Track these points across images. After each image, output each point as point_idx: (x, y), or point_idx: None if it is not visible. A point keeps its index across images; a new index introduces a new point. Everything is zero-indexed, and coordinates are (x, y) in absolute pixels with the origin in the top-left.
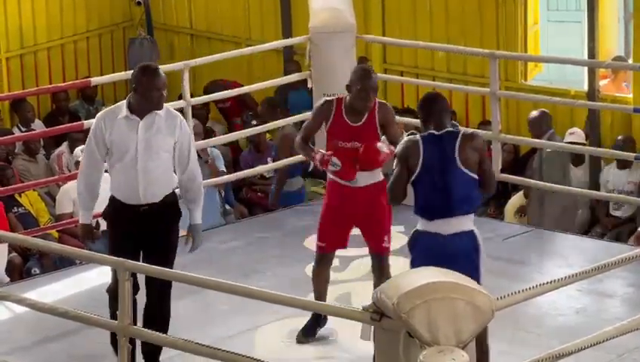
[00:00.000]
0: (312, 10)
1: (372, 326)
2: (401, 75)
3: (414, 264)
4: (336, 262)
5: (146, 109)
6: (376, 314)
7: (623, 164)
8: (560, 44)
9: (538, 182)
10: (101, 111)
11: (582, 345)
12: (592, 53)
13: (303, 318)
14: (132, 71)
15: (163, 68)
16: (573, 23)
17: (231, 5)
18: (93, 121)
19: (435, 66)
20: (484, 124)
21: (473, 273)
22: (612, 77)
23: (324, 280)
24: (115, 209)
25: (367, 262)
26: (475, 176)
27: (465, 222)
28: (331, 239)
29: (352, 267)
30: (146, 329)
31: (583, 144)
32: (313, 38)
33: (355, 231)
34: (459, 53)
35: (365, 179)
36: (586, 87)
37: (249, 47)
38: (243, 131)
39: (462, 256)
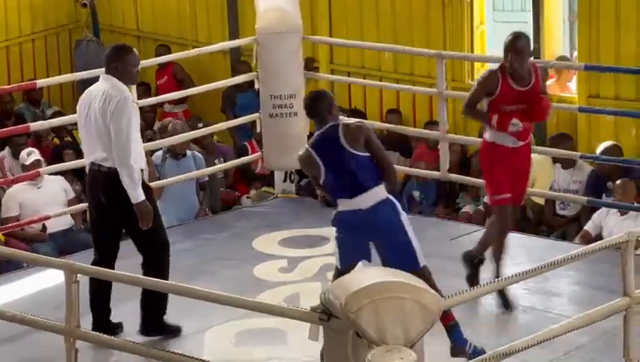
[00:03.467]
0: (259, 12)
1: (320, 327)
2: (348, 76)
3: (342, 241)
4: (284, 262)
5: (133, 83)
6: (324, 315)
7: (568, 164)
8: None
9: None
10: (125, 93)
11: (528, 343)
12: (537, 54)
13: (251, 319)
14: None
15: None
16: (518, 24)
17: (177, 7)
18: (40, 122)
19: (382, 67)
20: (431, 124)
21: (402, 235)
22: (556, 77)
23: None
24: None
25: (315, 263)
26: (367, 154)
27: (378, 193)
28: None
29: (301, 267)
30: (93, 332)
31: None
32: (260, 39)
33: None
34: (406, 53)
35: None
36: None
37: (196, 49)
38: (190, 133)
39: (385, 222)
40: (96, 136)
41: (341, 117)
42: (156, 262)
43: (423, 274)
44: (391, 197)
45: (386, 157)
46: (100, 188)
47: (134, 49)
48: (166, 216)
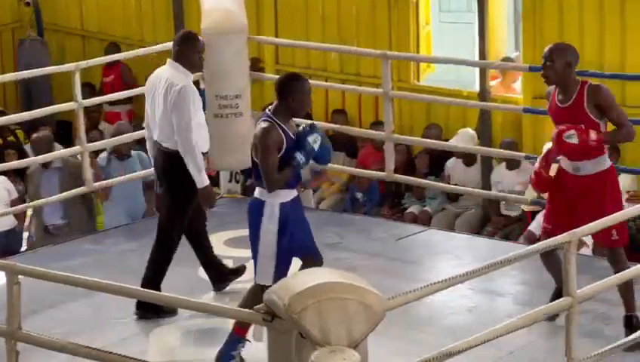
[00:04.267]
0: (204, 11)
1: (264, 327)
2: None
3: None
4: (230, 263)
5: (197, 70)
6: (268, 316)
7: (512, 165)
8: (452, 45)
9: (429, 182)
10: (184, 82)
11: (473, 343)
12: (482, 54)
13: (197, 320)
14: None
15: (53, 69)
16: (464, 24)
17: (122, 6)
18: None
19: (328, 67)
20: (377, 124)
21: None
22: (501, 78)
23: None
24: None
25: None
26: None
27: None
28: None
29: (247, 268)
30: (34, 334)
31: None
32: (205, 39)
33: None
34: (351, 53)
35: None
36: (477, 88)
37: (143, 49)
38: (135, 133)
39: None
40: (160, 118)
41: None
42: (161, 248)
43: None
44: (265, 200)
45: (264, 167)
46: (158, 164)
47: (200, 36)
48: (113, 216)
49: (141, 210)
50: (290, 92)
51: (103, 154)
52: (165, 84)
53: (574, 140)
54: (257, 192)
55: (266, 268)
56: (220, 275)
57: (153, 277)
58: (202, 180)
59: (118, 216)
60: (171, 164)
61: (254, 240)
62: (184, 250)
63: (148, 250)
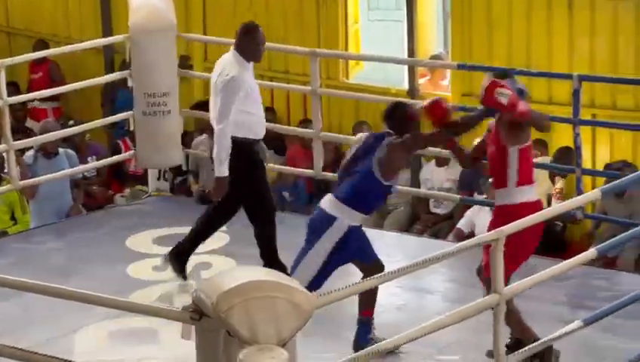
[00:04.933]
0: (132, 9)
1: (193, 326)
2: None
3: None
4: (158, 261)
5: (255, 59)
6: (196, 314)
7: (442, 162)
8: (381, 43)
9: None
10: (234, 72)
11: (401, 341)
12: (411, 52)
13: (124, 319)
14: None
15: None
16: (393, 22)
17: (49, 3)
18: None
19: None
20: (306, 122)
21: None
22: (430, 75)
23: None
24: (250, 149)
25: (189, 262)
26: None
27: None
28: None
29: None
30: None
31: None
32: (133, 36)
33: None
34: (280, 51)
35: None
36: (406, 86)
37: (69, 46)
38: (61, 131)
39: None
40: (213, 104)
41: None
42: (263, 231)
43: None
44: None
45: None
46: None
47: (260, 28)
48: (40, 214)
49: (68, 208)
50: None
51: (30, 152)
52: (220, 70)
53: (504, 100)
54: (331, 205)
55: (300, 276)
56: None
57: (269, 252)
58: (220, 171)
59: (45, 215)
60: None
61: (307, 247)
62: (112, 247)
63: (75, 249)
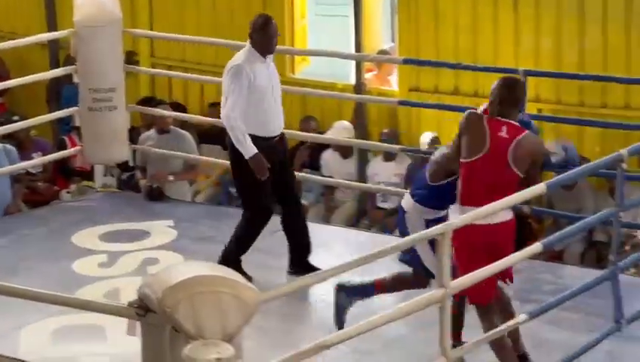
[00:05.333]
0: (77, 3)
1: (138, 322)
2: (169, 69)
3: None
4: (104, 257)
5: (269, 52)
6: (141, 310)
7: (389, 157)
8: (328, 38)
9: (305, 174)
10: (239, 61)
11: (348, 335)
12: (358, 47)
13: (70, 316)
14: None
15: None
16: (340, 17)
17: None
18: None
19: (204, 60)
20: None
21: None
22: (377, 70)
23: None
24: (255, 144)
25: (136, 258)
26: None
27: None
28: None
29: (121, 262)
30: None
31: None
32: (78, 31)
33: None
34: (227, 47)
35: None
36: (353, 81)
37: (12, 41)
38: (5, 127)
39: None
40: (223, 100)
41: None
42: (245, 223)
43: None
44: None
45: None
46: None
47: (273, 20)
48: None
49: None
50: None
51: None
52: (228, 67)
53: None
54: None
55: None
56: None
57: (235, 251)
58: (247, 152)
59: None
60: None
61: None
62: (57, 243)
63: (20, 246)
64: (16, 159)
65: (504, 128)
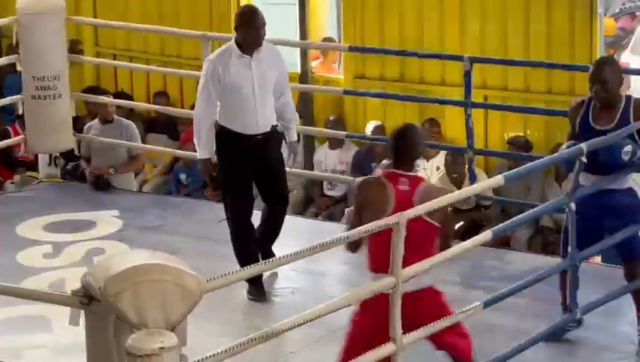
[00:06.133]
0: None
1: (82, 311)
2: (114, 59)
3: None
4: (49, 248)
5: (252, 47)
6: (85, 299)
7: (335, 144)
8: (275, 27)
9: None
10: (211, 56)
11: (295, 323)
12: (303, 35)
13: (14, 307)
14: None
15: None
16: (287, 5)
17: None
18: None
19: (149, 49)
20: None
21: None
22: (322, 58)
23: None
24: (229, 140)
25: (81, 248)
26: None
27: None
28: None
29: (67, 253)
30: None
31: None
32: (21, 19)
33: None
34: (172, 35)
35: None
36: (299, 69)
37: None
38: None
39: None
40: None
41: None
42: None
43: None
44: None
45: None
46: None
47: (258, 10)
48: None
49: None
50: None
51: None
52: None
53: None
54: None
55: None
56: None
57: (239, 250)
58: (198, 153)
59: None
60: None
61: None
62: (1, 234)
63: None
64: None
65: (405, 181)
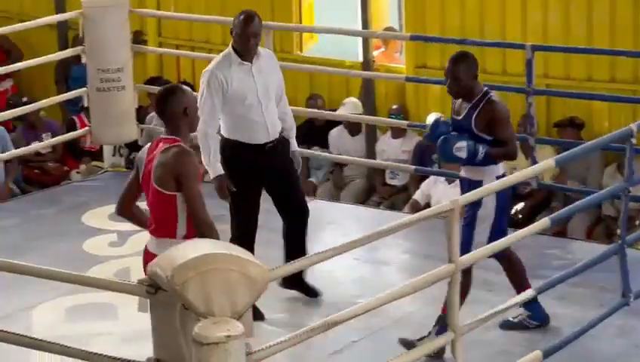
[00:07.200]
0: None
1: (148, 300)
2: (177, 49)
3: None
4: (114, 237)
5: (247, 55)
6: (152, 288)
7: (397, 133)
8: (335, 16)
9: (328, 155)
10: (210, 67)
11: (357, 312)
12: (365, 24)
13: (81, 294)
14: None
15: None
16: None
17: None
18: None
19: (211, 39)
20: None
21: None
22: (384, 47)
23: None
24: (238, 152)
25: (145, 237)
26: None
27: None
28: None
29: (131, 241)
30: None
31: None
32: (86, 12)
33: None
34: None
35: None
36: (360, 58)
37: (21, 23)
38: (17, 109)
39: None
40: None
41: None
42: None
43: None
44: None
45: None
46: None
47: (255, 17)
48: None
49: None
50: None
51: None
52: None
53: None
54: None
55: None
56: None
57: None
58: (212, 171)
59: None
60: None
61: None
62: (68, 223)
63: (31, 226)
64: (6, 142)
65: (160, 145)
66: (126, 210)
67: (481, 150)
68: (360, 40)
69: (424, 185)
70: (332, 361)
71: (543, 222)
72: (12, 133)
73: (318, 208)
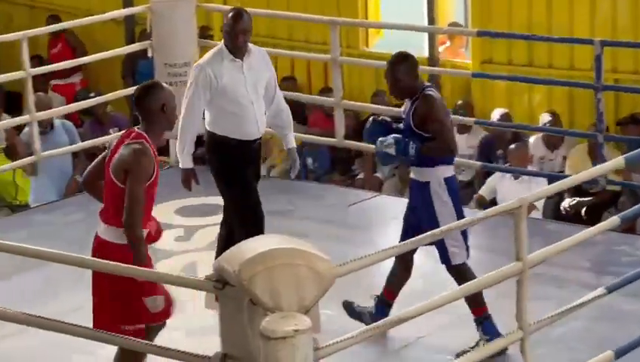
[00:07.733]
0: None
1: (215, 295)
2: None
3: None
4: (180, 231)
5: (237, 52)
6: (219, 283)
7: (463, 129)
8: (401, 11)
9: None
10: (201, 61)
11: (424, 309)
12: (431, 20)
13: None
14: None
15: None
16: None
17: None
18: None
19: (277, 34)
20: (326, 91)
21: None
22: (449, 43)
23: None
24: (228, 148)
25: (211, 232)
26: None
27: None
28: None
29: (197, 236)
30: None
31: None
32: (153, 7)
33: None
34: (300, 20)
35: None
36: (426, 54)
37: (89, 17)
38: (82, 102)
39: None
40: None
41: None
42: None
43: None
44: None
45: None
46: None
47: (244, 14)
48: (43, 190)
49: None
50: None
51: (26, 129)
52: None
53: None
54: None
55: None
56: None
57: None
58: (181, 162)
59: (48, 190)
60: (206, 143)
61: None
62: None
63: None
64: (75, 135)
65: (127, 139)
66: (88, 185)
67: (412, 145)
68: (426, 35)
69: (490, 180)
70: (399, 357)
71: (613, 220)
72: (80, 128)
73: (382, 203)
